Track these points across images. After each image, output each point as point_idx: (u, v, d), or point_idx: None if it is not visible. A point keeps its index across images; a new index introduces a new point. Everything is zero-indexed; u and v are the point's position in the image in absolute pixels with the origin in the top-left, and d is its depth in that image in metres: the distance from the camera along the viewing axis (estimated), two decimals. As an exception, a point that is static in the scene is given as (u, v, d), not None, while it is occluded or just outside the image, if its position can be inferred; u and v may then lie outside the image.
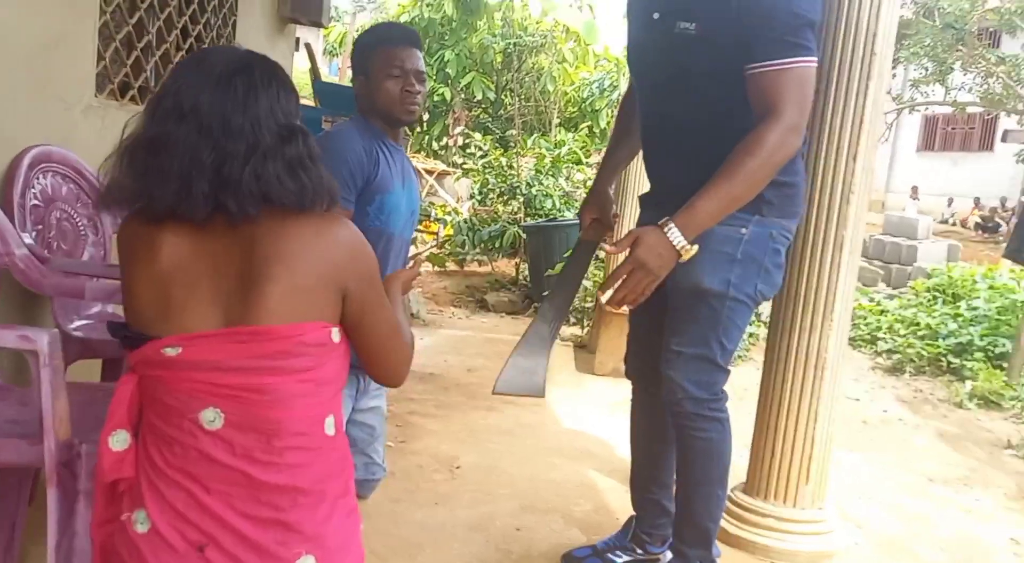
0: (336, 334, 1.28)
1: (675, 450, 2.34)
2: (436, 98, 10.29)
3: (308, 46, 4.91)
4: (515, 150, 8.09)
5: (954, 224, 21.53)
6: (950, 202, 22.92)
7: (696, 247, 1.96)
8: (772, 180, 2.00)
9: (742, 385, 5.19)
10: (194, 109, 1.21)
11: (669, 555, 2.44)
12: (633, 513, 2.54)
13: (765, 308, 4.18)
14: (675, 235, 1.93)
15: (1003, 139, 5.55)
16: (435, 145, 10.87)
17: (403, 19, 10.44)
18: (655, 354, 2.24)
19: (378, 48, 2.00)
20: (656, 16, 2.12)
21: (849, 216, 2.57)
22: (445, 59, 10.17)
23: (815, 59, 2.00)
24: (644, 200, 2.37)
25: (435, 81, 10.38)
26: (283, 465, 1.23)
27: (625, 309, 2.15)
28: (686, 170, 2.09)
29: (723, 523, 2.62)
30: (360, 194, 1.87)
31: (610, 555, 2.50)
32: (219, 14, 4.03)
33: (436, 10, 10.16)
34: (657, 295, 2.05)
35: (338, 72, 20.81)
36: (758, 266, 2.13)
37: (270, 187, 1.21)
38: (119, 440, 1.23)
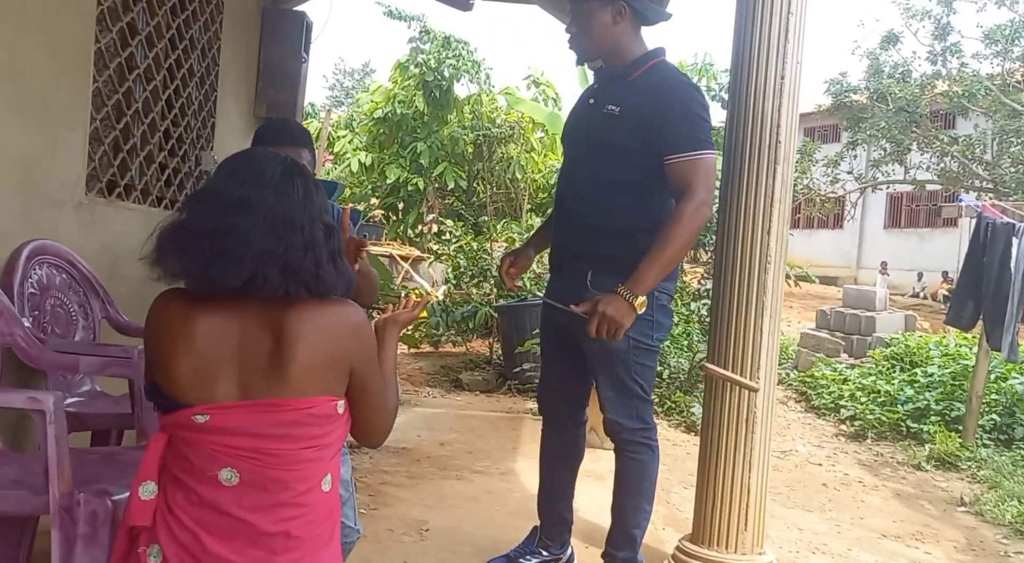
0: (341, 406, 1.49)
1: (615, 473, 2.84)
2: (410, 188, 10.70)
3: None
4: (487, 235, 8.43)
5: (925, 297, 22.01)
6: (920, 276, 23.47)
7: (644, 299, 2.46)
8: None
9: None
10: (261, 205, 1.41)
11: (569, 551, 2.99)
12: (537, 523, 2.99)
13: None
14: (627, 294, 2.44)
15: (938, 214, 5.89)
16: (411, 233, 11.22)
17: (377, 115, 10.92)
18: (567, 396, 2.89)
19: (264, 145, 2.21)
20: (592, 101, 2.72)
21: (768, 284, 2.85)
22: (418, 151, 10.61)
23: (714, 151, 2.57)
24: (550, 263, 2.94)
25: (409, 172, 10.82)
26: (282, 517, 1.44)
27: None
28: (580, 240, 2.69)
29: (672, 572, 2.87)
30: None
31: (521, 560, 2.92)
32: (199, 117, 4.37)
33: (408, 106, 10.66)
34: (573, 353, 2.71)
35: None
36: (648, 321, 2.66)
37: (322, 275, 1.42)
38: (148, 490, 1.44)
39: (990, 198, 17.85)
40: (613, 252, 2.60)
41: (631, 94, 2.59)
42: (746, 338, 2.87)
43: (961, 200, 6.30)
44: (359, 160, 10.83)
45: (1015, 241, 5.21)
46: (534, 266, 8.11)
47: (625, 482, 2.76)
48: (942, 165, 18.91)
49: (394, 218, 11.37)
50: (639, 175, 2.58)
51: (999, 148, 17.92)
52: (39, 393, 1.76)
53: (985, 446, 6.15)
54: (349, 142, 11.20)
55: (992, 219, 5.47)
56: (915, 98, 17.69)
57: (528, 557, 2.93)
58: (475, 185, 11.00)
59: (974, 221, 6.10)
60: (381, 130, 11.03)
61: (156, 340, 1.47)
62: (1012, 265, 5.21)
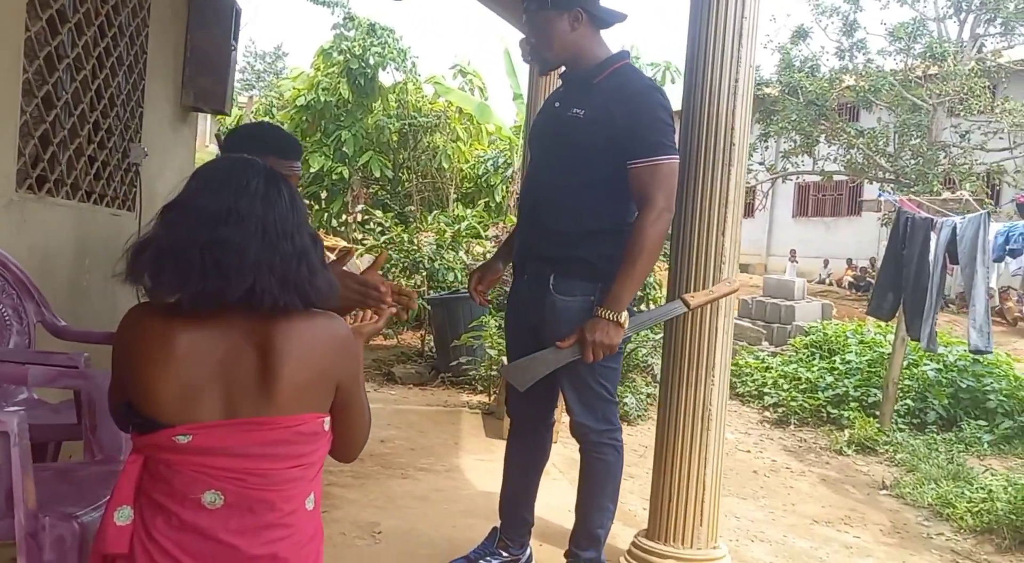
0: (327, 423, 1.45)
1: (580, 474, 2.84)
2: (335, 177, 10.51)
3: (218, 136, 5.08)
4: (415, 226, 8.35)
5: (831, 284, 22.90)
6: (826, 263, 24.41)
7: (626, 314, 2.52)
8: (608, 254, 2.56)
9: (642, 443, 5.50)
10: (251, 215, 1.36)
11: (528, 552, 3.02)
12: (496, 525, 3.01)
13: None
14: (610, 315, 2.49)
15: (859, 208, 6.20)
16: (334, 222, 11.02)
17: (299, 102, 10.67)
18: (536, 398, 2.84)
19: (267, 157, 2.24)
20: (557, 105, 2.73)
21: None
22: (342, 139, 10.42)
23: (677, 156, 2.60)
24: (514, 264, 2.93)
25: (333, 160, 10.62)
26: (269, 539, 1.39)
27: None
28: (544, 241, 2.68)
29: (629, 568, 2.92)
30: None
31: (481, 561, 2.93)
32: (127, 107, 4.18)
33: (332, 93, 10.45)
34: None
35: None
36: None
37: (316, 284, 1.39)
38: (123, 515, 1.36)
39: (892, 188, 18.68)
40: (576, 254, 2.62)
41: (597, 97, 2.60)
42: (702, 336, 2.93)
43: (881, 195, 6.56)
44: (281, 148, 10.54)
45: (933, 236, 5.46)
46: (466, 259, 8.10)
47: (591, 482, 2.78)
48: (848, 156, 19.62)
49: (317, 207, 11.15)
50: (603, 177, 2.59)
51: (900, 141, 18.72)
52: (2, 413, 1.66)
53: (900, 430, 6.44)
54: (270, 129, 10.87)
55: (911, 214, 5.71)
56: (824, 92, 18.29)
57: (488, 558, 2.93)
58: (400, 174, 10.87)
59: (889, 214, 6.36)
60: (304, 118, 10.78)
61: (133, 359, 1.39)
62: (931, 258, 5.45)
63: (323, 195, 11.08)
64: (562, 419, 3.95)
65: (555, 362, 2.61)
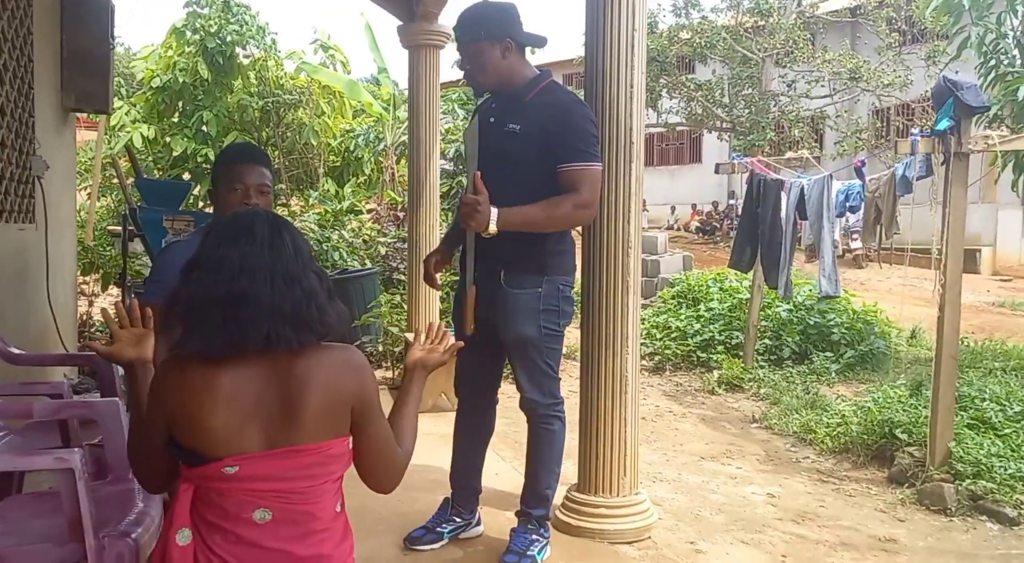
0: (350, 443, 1.66)
1: (528, 442, 3.23)
2: (199, 159, 10.29)
3: (128, 148, 5.02)
4: (284, 204, 8.37)
5: (679, 229, 24.24)
6: (673, 209, 25.77)
7: (495, 229, 2.83)
8: (552, 251, 2.99)
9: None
10: (261, 266, 1.53)
11: (477, 515, 3.38)
12: (447, 495, 3.37)
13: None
14: (494, 216, 2.82)
15: (716, 171, 6.86)
16: (201, 205, 10.80)
17: (155, 84, 10.30)
18: (483, 379, 3.26)
19: (221, 166, 2.46)
20: (492, 120, 3.06)
21: (630, 266, 3.34)
22: (204, 120, 10.19)
23: (600, 164, 3.02)
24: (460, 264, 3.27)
25: (196, 142, 10.38)
26: (312, 541, 1.63)
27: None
28: (490, 244, 2.94)
29: (564, 517, 3.39)
30: None
31: (438, 528, 3.30)
32: (20, 118, 4.14)
33: (191, 74, 10.17)
34: (490, 341, 3.07)
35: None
36: (555, 311, 3.08)
37: (326, 320, 1.56)
38: (184, 536, 1.57)
39: (729, 136, 19.95)
40: (522, 253, 2.97)
41: (529, 113, 2.95)
42: (615, 313, 3.35)
43: (734, 158, 7.20)
44: (141, 133, 10.16)
45: (784, 195, 6.12)
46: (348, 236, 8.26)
47: (539, 450, 3.17)
48: (689, 109, 20.73)
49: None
50: (540, 184, 2.92)
51: (734, 92, 19.95)
52: (64, 451, 1.82)
53: (761, 367, 7.21)
54: (126, 113, 10.48)
55: (763, 176, 6.36)
56: (664, 48, 19.21)
57: (444, 525, 3.29)
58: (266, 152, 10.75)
59: (740, 172, 7.03)
60: (160, 99, 10.43)
61: (177, 405, 1.57)
62: (783, 216, 6.12)
63: (187, 178, 10.81)
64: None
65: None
